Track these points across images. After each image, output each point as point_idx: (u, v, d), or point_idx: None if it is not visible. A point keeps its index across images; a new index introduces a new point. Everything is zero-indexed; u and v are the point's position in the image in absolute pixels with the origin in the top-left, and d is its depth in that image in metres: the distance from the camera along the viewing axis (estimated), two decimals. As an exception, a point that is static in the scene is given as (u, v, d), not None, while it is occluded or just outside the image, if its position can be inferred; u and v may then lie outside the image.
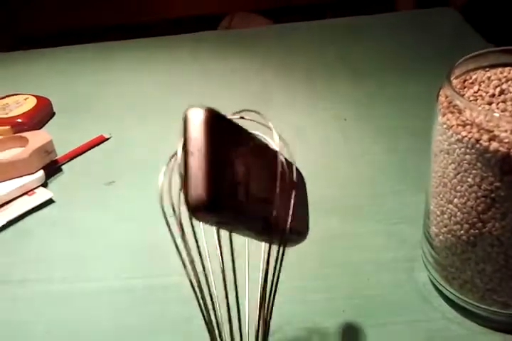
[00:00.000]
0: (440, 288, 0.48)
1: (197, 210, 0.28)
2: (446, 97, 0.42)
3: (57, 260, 0.57)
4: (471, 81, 0.44)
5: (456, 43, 0.90)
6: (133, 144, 0.75)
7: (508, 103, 0.41)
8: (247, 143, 0.33)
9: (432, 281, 0.49)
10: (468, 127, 0.39)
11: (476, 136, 0.38)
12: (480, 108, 0.41)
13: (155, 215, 0.61)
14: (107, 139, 0.76)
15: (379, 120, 0.75)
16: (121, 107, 0.85)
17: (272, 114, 0.81)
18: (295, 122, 0.76)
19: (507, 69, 0.44)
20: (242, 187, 0.31)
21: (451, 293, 0.47)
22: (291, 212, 0.33)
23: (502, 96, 0.42)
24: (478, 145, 0.38)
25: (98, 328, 0.50)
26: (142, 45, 1.06)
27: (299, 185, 0.36)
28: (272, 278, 0.35)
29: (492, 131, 0.38)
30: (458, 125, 0.40)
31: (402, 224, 0.56)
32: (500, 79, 0.43)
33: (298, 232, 0.36)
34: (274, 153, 0.33)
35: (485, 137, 0.38)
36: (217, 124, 0.30)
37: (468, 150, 0.39)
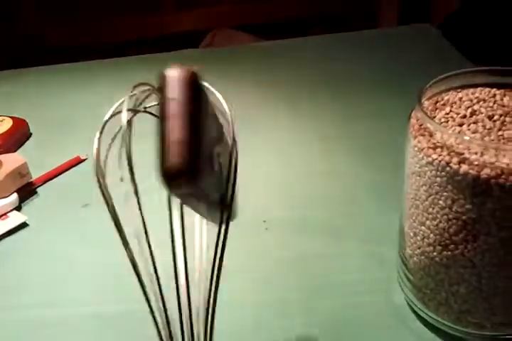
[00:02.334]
0: (416, 309, 0.48)
1: (175, 178, 0.26)
2: (418, 120, 0.42)
3: (31, 285, 0.56)
4: (442, 102, 0.44)
5: (435, 60, 0.90)
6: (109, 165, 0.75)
7: (479, 124, 0.41)
8: (210, 110, 0.31)
9: (408, 303, 0.49)
10: (438, 150, 0.39)
11: (447, 158, 0.38)
12: (450, 131, 0.41)
13: (132, 238, 0.61)
14: (84, 160, 0.75)
15: (360, 139, 0.75)
16: (97, 128, 0.84)
17: (255, 133, 0.80)
18: (277, 141, 0.76)
19: (478, 89, 0.44)
20: (215, 157, 0.29)
21: (427, 314, 0.46)
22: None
23: (473, 117, 0.42)
24: (448, 168, 0.38)
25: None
26: (121, 65, 1.05)
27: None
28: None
29: (462, 154, 0.38)
30: (429, 147, 0.40)
31: (382, 245, 0.56)
32: (471, 100, 0.43)
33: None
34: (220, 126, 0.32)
35: (455, 160, 0.38)
36: (197, 86, 0.28)
37: (438, 173, 0.39)
